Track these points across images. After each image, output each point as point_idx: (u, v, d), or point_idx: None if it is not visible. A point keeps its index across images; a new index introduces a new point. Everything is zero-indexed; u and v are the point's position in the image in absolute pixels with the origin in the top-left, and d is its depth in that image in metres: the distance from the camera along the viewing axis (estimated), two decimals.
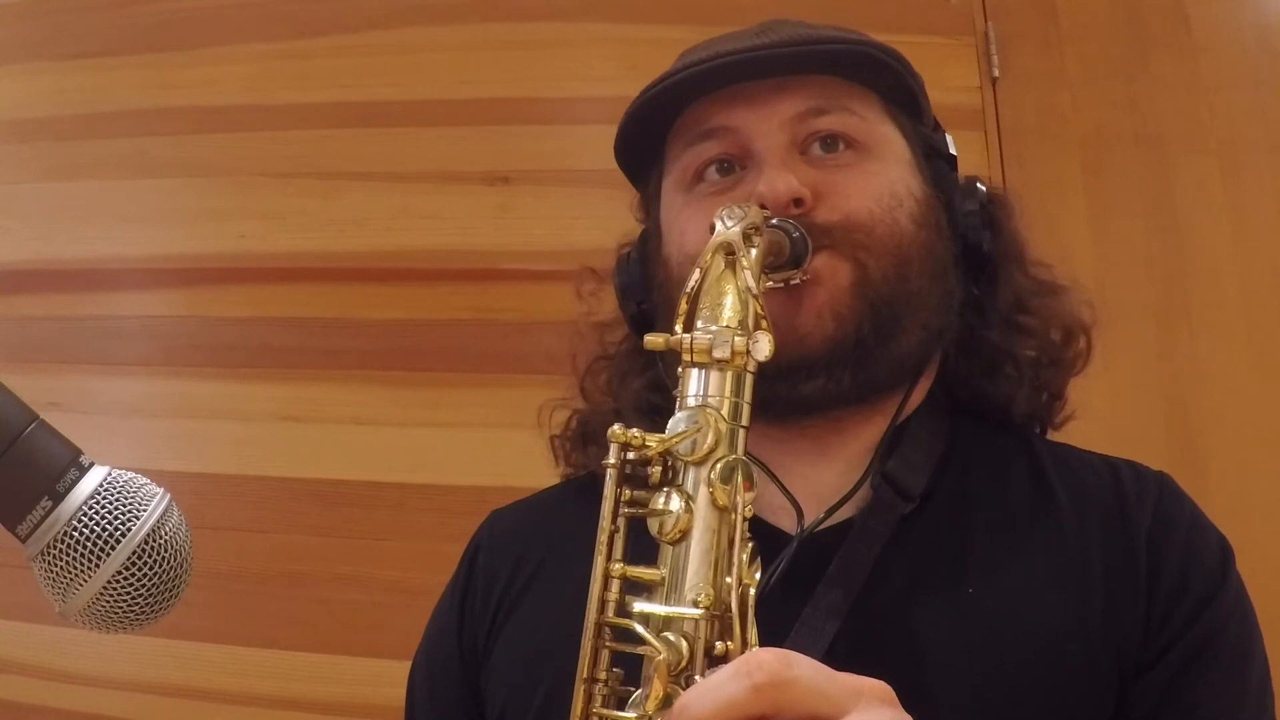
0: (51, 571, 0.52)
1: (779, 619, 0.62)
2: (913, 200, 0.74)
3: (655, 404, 0.78)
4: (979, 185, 0.79)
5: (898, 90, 0.78)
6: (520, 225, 1.64)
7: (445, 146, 1.68)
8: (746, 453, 0.57)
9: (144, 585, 0.52)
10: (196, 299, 1.70)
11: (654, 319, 0.80)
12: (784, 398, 0.70)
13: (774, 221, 0.68)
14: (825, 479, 0.73)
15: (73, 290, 1.74)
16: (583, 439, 0.86)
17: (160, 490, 0.55)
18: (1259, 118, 1.57)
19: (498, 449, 1.53)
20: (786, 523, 0.71)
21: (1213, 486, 1.44)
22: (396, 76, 1.70)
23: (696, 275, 0.61)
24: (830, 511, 0.70)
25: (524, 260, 1.62)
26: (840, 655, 0.61)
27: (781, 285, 0.69)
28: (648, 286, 0.81)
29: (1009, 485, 0.73)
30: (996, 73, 1.62)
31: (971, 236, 0.77)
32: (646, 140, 0.81)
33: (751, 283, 0.60)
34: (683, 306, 0.61)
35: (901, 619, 0.66)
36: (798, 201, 0.71)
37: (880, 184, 0.74)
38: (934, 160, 0.79)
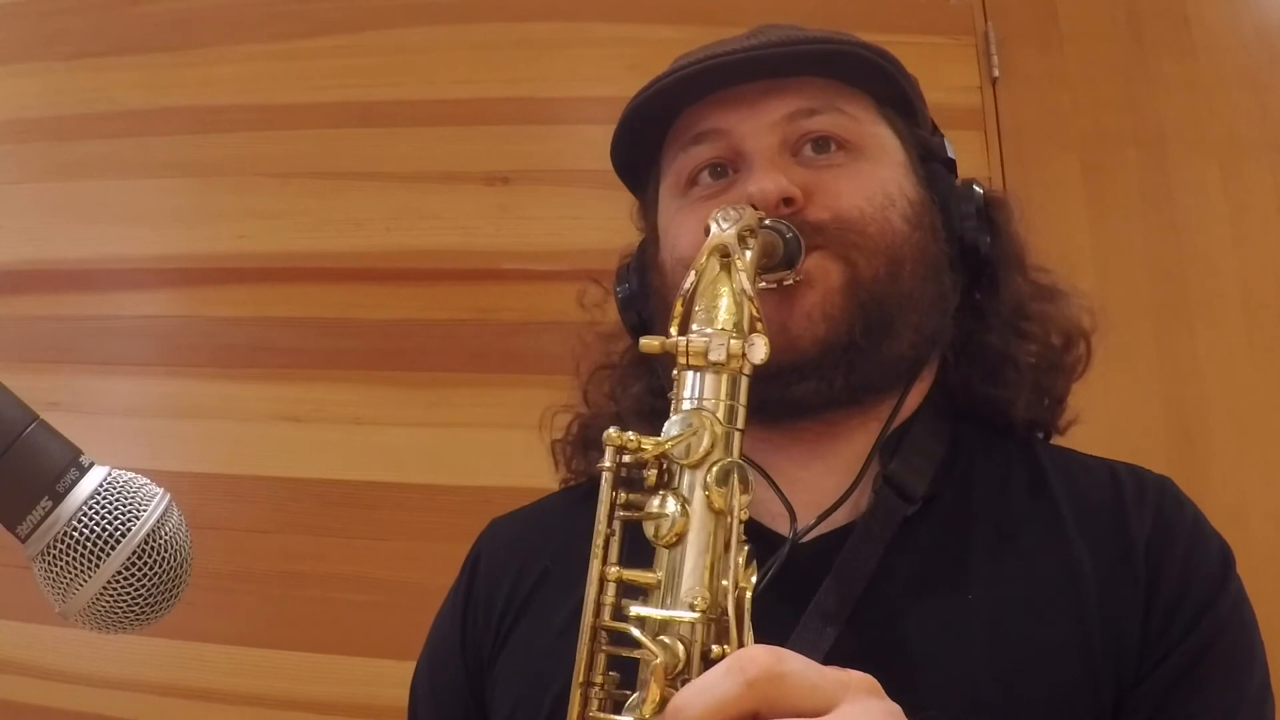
0: (51, 571, 0.52)
1: (778, 624, 0.61)
2: (905, 201, 0.74)
3: (657, 408, 0.77)
4: (976, 188, 0.79)
5: (891, 92, 0.77)
6: (520, 225, 1.64)
7: (445, 146, 1.67)
8: (743, 456, 0.57)
9: (144, 585, 0.52)
10: (196, 299, 1.70)
11: (652, 325, 0.80)
12: (775, 400, 0.69)
13: (767, 222, 0.68)
14: (821, 484, 0.73)
15: (73, 290, 1.73)
16: (583, 444, 0.85)
17: (160, 490, 0.55)
18: (1259, 118, 1.57)
19: (498, 449, 1.53)
20: (784, 527, 0.71)
21: (1213, 486, 1.44)
22: (396, 76, 1.70)
23: (692, 277, 0.61)
24: (824, 516, 0.70)
25: (524, 260, 1.62)
26: (838, 661, 0.61)
27: (775, 286, 0.69)
28: (645, 293, 0.81)
29: (1010, 491, 0.73)
30: (996, 73, 1.62)
31: (969, 239, 0.76)
32: (642, 147, 0.81)
33: (747, 284, 0.60)
34: (678, 309, 0.60)
35: (900, 625, 0.66)
36: (788, 201, 0.71)
37: (872, 184, 0.73)
38: (930, 163, 0.79)
